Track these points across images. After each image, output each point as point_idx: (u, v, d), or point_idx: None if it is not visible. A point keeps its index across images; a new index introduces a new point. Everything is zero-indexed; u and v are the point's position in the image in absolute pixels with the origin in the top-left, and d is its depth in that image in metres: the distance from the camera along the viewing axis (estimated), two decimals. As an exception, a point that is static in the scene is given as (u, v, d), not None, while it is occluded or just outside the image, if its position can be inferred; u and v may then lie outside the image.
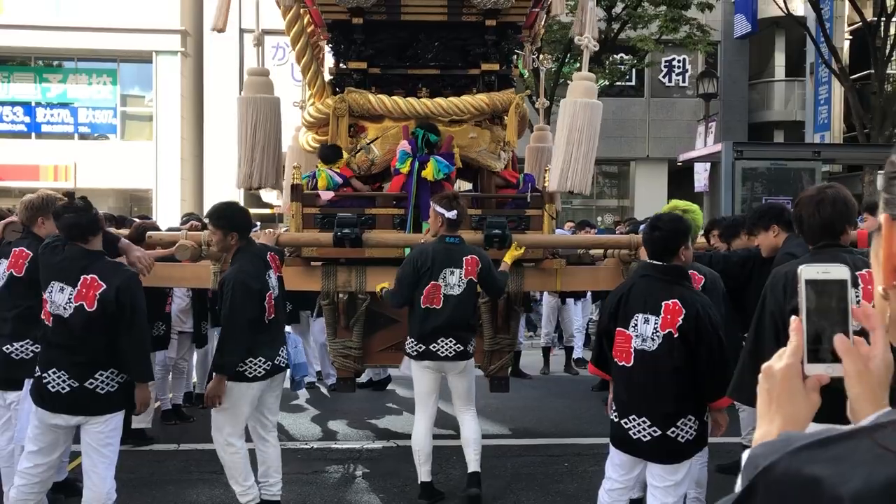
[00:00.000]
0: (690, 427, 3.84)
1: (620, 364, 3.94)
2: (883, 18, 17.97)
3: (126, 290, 4.13)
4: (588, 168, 5.92)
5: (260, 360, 4.71)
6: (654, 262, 3.96)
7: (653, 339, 3.83)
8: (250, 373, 4.69)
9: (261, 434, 4.98)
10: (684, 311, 3.79)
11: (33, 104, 22.11)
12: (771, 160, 15.39)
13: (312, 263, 6.21)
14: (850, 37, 22.00)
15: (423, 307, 5.23)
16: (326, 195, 6.14)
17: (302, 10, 6.75)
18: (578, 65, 19.08)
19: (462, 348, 5.31)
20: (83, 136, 22.43)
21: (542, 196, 6.19)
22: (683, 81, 24.33)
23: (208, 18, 21.65)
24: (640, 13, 18.51)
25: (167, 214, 20.79)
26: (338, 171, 6.18)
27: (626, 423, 3.90)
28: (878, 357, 1.02)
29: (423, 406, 5.40)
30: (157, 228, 6.40)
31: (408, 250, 5.93)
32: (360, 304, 6.20)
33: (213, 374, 4.65)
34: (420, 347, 5.28)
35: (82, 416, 4.16)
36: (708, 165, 19.70)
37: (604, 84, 20.73)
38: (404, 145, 6.08)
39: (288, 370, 5.03)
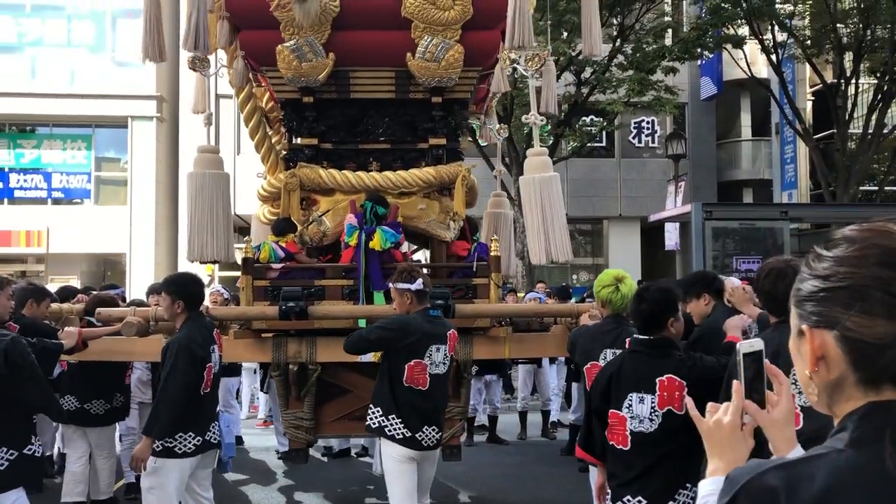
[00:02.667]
0: (688, 495, 3.60)
1: (618, 448, 3.72)
2: (842, 80, 18.48)
3: (12, 351, 4.19)
4: (564, 235, 6.01)
5: (190, 436, 4.67)
6: (641, 336, 3.80)
7: (651, 420, 3.64)
8: (180, 449, 4.64)
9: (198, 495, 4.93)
10: (685, 383, 3.63)
11: (6, 170, 22.14)
12: (739, 220, 15.64)
13: (263, 335, 6.23)
14: (812, 98, 22.55)
15: (405, 386, 4.80)
16: (277, 266, 6.21)
17: (256, 89, 6.90)
18: (549, 127, 19.60)
19: (441, 434, 5.03)
20: (56, 202, 22.44)
21: (489, 264, 6.27)
22: (653, 142, 24.75)
23: (184, 84, 21.92)
24: (609, 77, 18.91)
25: (141, 279, 20.76)
26: (283, 245, 6.24)
27: None
28: (782, 404, 1.51)
29: (412, 498, 4.87)
30: (114, 302, 6.41)
31: (361, 322, 5.97)
32: (311, 374, 6.21)
33: (144, 436, 4.63)
34: (407, 433, 4.79)
35: None
36: (678, 224, 19.93)
37: (575, 146, 21.06)
38: (350, 219, 6.17)
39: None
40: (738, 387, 1.50)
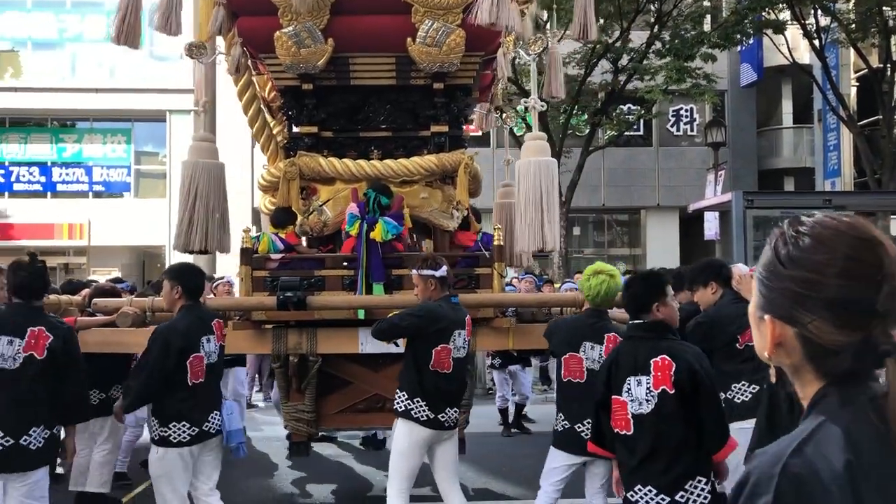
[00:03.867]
0: (702, 490, 3.63)
1: (622, 434, 3.80)
2: (888, 65, 17.89)
3: (70, 339, 4.63)
4: (553, 224, 5.86)
5: (184, 425, 4.66)
6: (635, 321, 3.90)
7: (647, 401, 3.71)
8: (174, 438, 4.65)
9: (205, 493, 4.92)
10: (675, 365, 3.68)
11: (49, 164, 22.60)
12: (781, 209, 15.27)
13: (263, 326, 6.19)
14: (857, 83, 21.87)
15: (431, 370, 4.92)
16: (276, 257, 6.16)
17: (255, 77, 6.84)
18: (585, 116, 19.36)
19: (458, 415, 5.16)
20: (97, 195, 22.84)
21: (492, 254, 6.15)
22: (692, 130, 24.28)
23: (221, 77, 22.11)
24: (646, 65, 18.59)
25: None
26: (283, 236, 6.18)
27: (632, 496, 3.72)
28: None
29: (407, 485, 5.02)
30: (114, 293, 6.41)
31: (360, 312, 5.91)
32: (312, 366, 6.15)
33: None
34: (431, 414, 4.92)
35: (9, 472, 4.37)
36: (718, 214, 19.54)
37: (612, 135, 20.77)
38: (352, 208, 6.09)
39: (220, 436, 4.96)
40: None
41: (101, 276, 16.14)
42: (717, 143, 20.44)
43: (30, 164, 22.63)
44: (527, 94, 11.08)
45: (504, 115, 8.32)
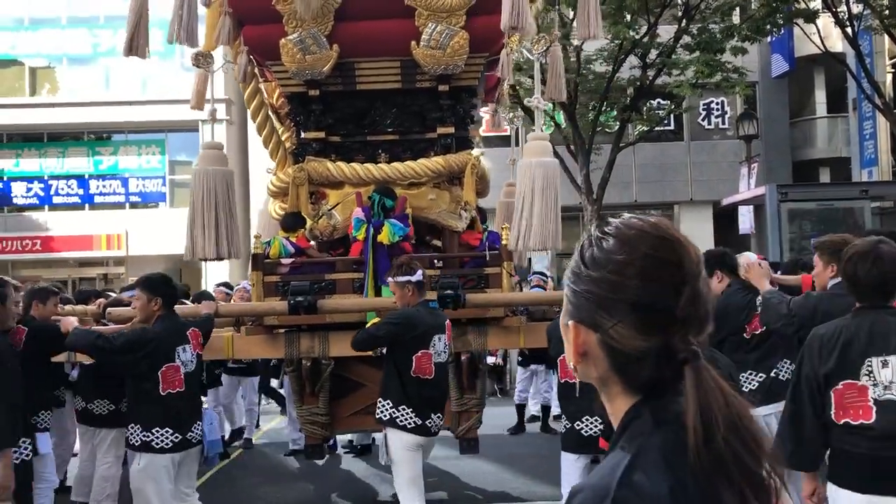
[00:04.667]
0: None
1: None
2: (923, 50, 17.50)
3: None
4: (547, 225, 5.84)
5: (167, 432, 4.73)
6: None
7: None
8: (157, 444, 4.73)
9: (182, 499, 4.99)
10: None
11: (86, 176, 23.09)
12: (817, 201, 15.04)
13: (275, 331, 6.26)
14: (893, 70, 21.40)
15: (413, 377, 4.95)
16: (287, 262, 6.23)
17: (263, 85, 6.93)
18: (614, 113, 19.25)
19: (443, 420, 5.21)
20: (134, 205, 23.28)
21: (501, 254, 6.15)
22: (723, 123, 23.97)
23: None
24: (675, 60, 18.42)
25: (216, 278, 21.28)
26: (294, 240, 6.25)
27: None
28: None
29: (417, 490, 5.03)
30: (124, 304, 6.52)
31: (371, 315, 5.95)
32: (325, 369, 6.21)
33: None
34: (418, 420, 4.95)
35: None
36: (752, 207, 19.27)
37: (643, 130, 20.60)
38: (358, 213, 6.15)
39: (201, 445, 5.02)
40: None
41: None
42: (749, 135, 20.16)
43: (68, 178, 23.16)
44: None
45: (512, 114, 8.28)
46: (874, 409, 3.10)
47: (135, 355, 4.70)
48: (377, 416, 5.10)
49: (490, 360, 11.40)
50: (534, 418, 10.32)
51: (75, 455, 7.45)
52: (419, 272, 5.04)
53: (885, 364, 3.11)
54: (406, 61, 6.40)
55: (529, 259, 18.81)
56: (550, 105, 18.91)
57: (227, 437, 9.16)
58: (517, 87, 16.01)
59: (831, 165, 24.18)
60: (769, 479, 1.10)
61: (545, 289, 9.73)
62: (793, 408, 3.37)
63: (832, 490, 3.28)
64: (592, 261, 1.17)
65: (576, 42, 17.35)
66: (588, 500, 1.09)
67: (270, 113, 7.37)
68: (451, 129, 6.56)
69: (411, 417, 4.94)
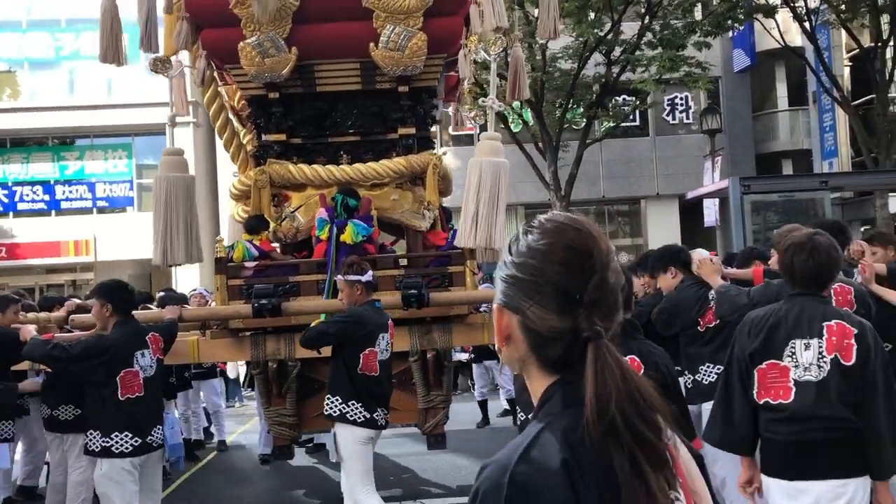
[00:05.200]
0: None
1: None
2: (880, 44, 17.82)
3: None
4: (493, 223, 5.86)
5: (127, 436, 4.76)
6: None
7: None
8: (117, 448, 4.76)
9: None
10: (644, 367, 3.59)
11: (52, 182, 22.85)
12: (778, 193, 15.28)
13: (241, 334, 6.30)
14: (850, 63, 21.77)
15: (360, 374, 5.11)
16: (251, 265, 6.27)
17: (224, 88, 6.95)
18: (581, 110, 19.40)
19: (387, 416, 5.32)
20: (101, 210, 23.07)
21: (464, 253, 6.23)
22: (687, 118, 24.26)
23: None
24: (639, 56, 18.63)
25: (186, 282, 21.18)
26: (257, 243, 6.29)
27: None
28: None
29: (369, 482, 5.16)
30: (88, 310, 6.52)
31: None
32: (291, 370, 6.26)
33: None
34: (367, 414, 5.11)
35: None
36: (717, 200, 19.54)
37: (609, 127, 20.78)
38: (321, 213, 6.20)
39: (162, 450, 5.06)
40: None
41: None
42: (712, 129, 20.44)
43: (33, 184, 22.90)
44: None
45: (474, 113, 8.36)
46: (793, 389, 3.25)
47: (92, 362, 4.73)
48: (326, 413, 5.24)
49: (462, 356, 11.54)
50: (506, 412, 10.44)
51: (48, 462, 7.46)
52: (369, 272, 5.22)
53: (807, 347, 3.27)
54: (365, 63, 6.45)
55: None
56: (518, 104, 19.13)
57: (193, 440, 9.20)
58: (484, 87, 16.12)
59: (793, 157, 24.57)
60: (663, 446, 1.19)
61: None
62: (723, 390, 3.50)
63: (765, 481, 3.40)
64: (518, 250, 1.29)
65: (541, 41, 17.48)
66: (492, 474, 1.18)
67: (231, 116, 7.39)
68: (413, 130, 6.62)
69: (360, 412, 5.10)
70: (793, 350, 3.30)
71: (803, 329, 3.30)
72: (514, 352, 1.30)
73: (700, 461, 1.38)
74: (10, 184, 22.82)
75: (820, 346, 3.26)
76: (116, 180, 23.15)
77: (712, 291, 5.07)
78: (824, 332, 3.28)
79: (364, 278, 5.14)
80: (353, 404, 5.10)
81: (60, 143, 23.31)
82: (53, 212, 22.91)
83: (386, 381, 5.29)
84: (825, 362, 3.24)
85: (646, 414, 1.18)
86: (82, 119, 22.13)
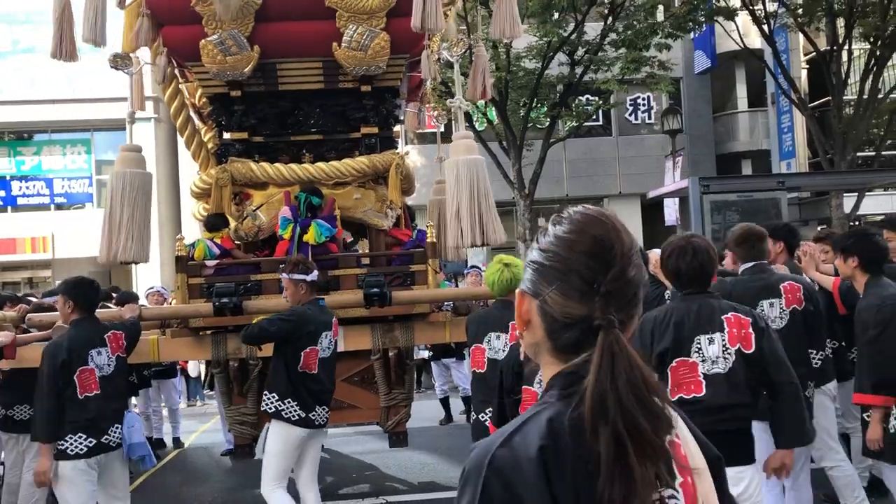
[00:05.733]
0: None
1: None
2: (835, 47, 18.17)
3: None
4: (493, 218, 5.93)
5: (80, 437, 4.73)
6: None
7: None
8: (71, 450, 4.72)
9: None
10: None
11: (8, 178, 22.42)
12: (737, 193, 15.53)
13: (201, 333, 6.27)
14: (807, 66, 22.19)
15: (300, 371, 5.10)
16: (212, 264, 6.24)
17: (185, 85, 6.91)
18: (545, 109, 19.51)
19: (328, 414, 5.31)
20: (59, 207, 22.70)
21: (426, 251, 6.27)
22: (650, 118, 24.53)
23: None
24: (602, 57, 18.81)
25: (146, 279, 20.93)
26: (218, 241, 6.26)
27: None
28: None
29: (283, 480, 5.18)
30: (51, 310, 6.45)
31: None
32: (252, 369, 6.24)
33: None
34: (302, 413, 5.10)
35: None
36: (678, 200, 19.80)
37: (572, 126, 20.94)
38: (285, 212, 6.19)
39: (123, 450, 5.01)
40: None
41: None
42: (673, 130, 20.71)
43: (-12, 179, 22.47)
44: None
45: (437, 111, 8.39)
46: (703, 382, 3.50)
47: (57, 368, 4.69)
48: (262, 408, 5.26)
49: (424, 353, 11.59)
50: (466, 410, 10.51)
51: (2, 463, 7.35)
52: (315, 272, 5.24)
53: (711, 341, 3.53)
54: (328, 62, 6.45)
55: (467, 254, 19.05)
56: (482, 102, 19.18)
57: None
58: (449, 86, 16.16)
59: (753, 158, 24.96)
60: (660, 439, 1.21)
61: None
62: None
63: None
64: (545, 238, 1.34)
65: (505, 40, 17.56)
66: (477, 455, 1.23)
67: (192, 113, 7.34)
68: (375, 129, 6.64)
69: (296, 410, 5.09)
70: (699, 346, 3.54)
71: (704, 325, 3.56)
72: (531, 336, 1.34)
73: (719, 463, 1.40)
74: (-35, 180, 22.38)
75: (723, 339, 3.52)
76: (75, 176, 22.77)
77: (668, 290, 5.16)
78: (724, 325, 3.54)
79: (309, 277, 5.15)
80: (289, 402, 5.09)
81: (17, 137, 22.88)
82: (10, 208, 22.48)
83: (327, 379, 5.27)
84: (729, 354, 3.50)
85: (647, 404, 1.20)
86: (40, 114, 21.76)
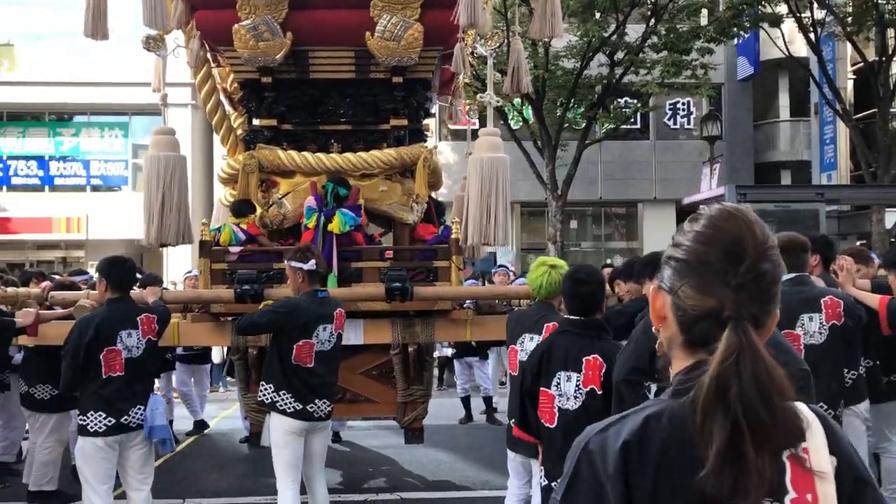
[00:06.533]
0: None
1: (546, 425, 3.86)
2: (884, 58, 17.78)
3: None
4: (500, 219, 5.89)
5: (100, 415, 4.73)
6: (573, 317, 3.91)
7: (575, 398, 3.75)
8: (91, 427, 4.75)
9: (135, 488, 5.01)
10: (605, 366, 3.70)
11: (47, 158, 22.71)
12: (775, 202, 15.27)
13: (222, 318, 6.23)
14: (854, 76, 21.73)
15: (294, 364, 4.97)
16: (235, 250, 6.19)
17: (217, 70, 6.88)
18: (582, 109, 19.35)
19: (331, 407, 5.21)
20: (95, 189, 22.94)
21: (450, 248, 6.17)
22: (689, 123, 24.21)
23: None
24: (642, 58, 18.57)
25: (178, 264, 21.09)
26: (244, 227, 6.22)
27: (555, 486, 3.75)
28: None
29: (293, 474, 5.08)
30: (73, 287, 6.46)
31: None
32: (272, 358, 6.18)
33: None
34: (298, 405, 5.00)
35: None
36: (713, 207, 19.49)
37: (609, 128, 20.72)
38: (310, 201, 6.13)
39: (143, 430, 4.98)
40: None
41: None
42: (712, 136, 20.42)
43: (27, 159, 22.73)
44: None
45: (468, 106, 8.30)
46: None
47: (79, 346, 4.69)
48: (259, 399, 5.20)
49: (448, 351, 11.50)
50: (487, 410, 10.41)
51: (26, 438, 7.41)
52: (312, 261, 5.03)
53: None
54: (360, 51, 6.38)
55: (494, 253, 18.91)
56: (518, 100, 19.06)
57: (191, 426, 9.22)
58: (484, 81, 16.04)
59: (792, 168, 24.53)
60: (779, 438, 1.19)
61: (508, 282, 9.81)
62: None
63: None
64: (682, 233, 1.36)
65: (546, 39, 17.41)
66: (580, 440, 1.32)
67: (223, 98, 7.32)
68: (405, 122, 6.56)
69: (291, 402, 4.98)
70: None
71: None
72: (666, 332, 1.36)
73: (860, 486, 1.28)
74: (4, 158, 22.68)
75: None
76: (112, 159, 23.01)
77: None
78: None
79: (306, 266, 4.98)
80: (284, 394, 4.99)
81: (57, 118, 23.16)
82: (47, 187, 22.78)
83: (327, 372, 5.12)
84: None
85: (769, 398, 1.19)
86: (80, 95, 21.98)
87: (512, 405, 4.84)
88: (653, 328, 1.41)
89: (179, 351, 8.69)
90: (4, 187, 22.69)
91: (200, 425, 9.64)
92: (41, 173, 22.71)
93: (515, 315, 5.15)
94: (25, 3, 22.53)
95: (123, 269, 5.05)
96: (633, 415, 1.29)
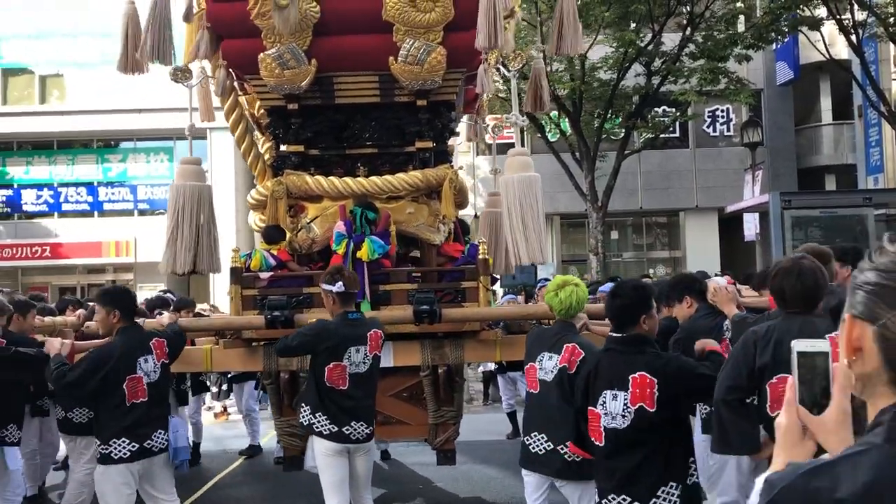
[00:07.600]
0: (674, 495, 3.64)
1: (596, 444, 3.84)
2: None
3: None
4: (536, 238, 5.89)
5: (124, 442, 4.81)
6: (615, 334, 3.87)
7: (623, 416, 3.69)
8: (115, 454, 4.81)
9: None
10: (656, 382, 3.65)
11: (95, 184, 23.32)
12: (820, 208, 15.01)
13: (253, 344, 6.32)
14: (899, 77, 21.27)
15: (327, 386, 5.01)
16: (265, 276, 6.29)
17: (244, 97, 7.01)
18: (619, 120, 19.27)
19: (371, 430, 5.21)
20: (142, 212, 23.47)
21: (477, 268, 6.19)
22: (728, 130, 23.94)
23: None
24: (679, 67, 18.45)
25: (223, 286, 21.42)
26: (275, 252, 6.31)
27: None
28: (832, 406, 1.35)
29: (339, 495, 5.10)
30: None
31: None
32: (303, 382, 6.26)
33: None
34: (334, 427, 5.03)
35: None
36: (757, 214, 19.24)
37: (648, 138, 20.61)
38: (339, 227, 6.18)
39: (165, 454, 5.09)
40: (791, 383, 1.41)
41: (147, 293, 16.61)
42: (753, 143, 20.18)
43: (77, 185, 23.41)
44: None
45: (492, 125, 8.33)
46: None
47: (95, 378, 4.75)
48: (299, 421, 5.24)
49: (492, 365, 11.49)
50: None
51: (56, 464, 7.56)
52: (339, 283, 5.04)
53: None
54: (384, 76, 6.45)
55: (535, 266, 18.90)
56: (556, 113, 19.04)
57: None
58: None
59: (837, 172, 24.08)
60: None
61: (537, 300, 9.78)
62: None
63: None
64: (881, 258, 1.21)
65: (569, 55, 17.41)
66: (778, 476, 1.20)
67: (252, 123, 7.45)
68: (430, 144, 6.61)
69: (327, 425, 5.01)
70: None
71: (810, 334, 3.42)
72: (862, 366, 1.22)
73: None
74: (55, 185, 23.34)
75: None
76: (158, 183, 23.53)
77: (727, 321, 4.96)
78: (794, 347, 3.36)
79: (334, 288, 5.01)
80: (320, 416, 5.02)
81: (105, 145, 23.78)
82: (96, 213, 23.37)
83: (363, 396, 5.12)
84: None
85: None
86: (126, 122, 22.57)
87: (527, 423, 4.84)
88: (844, 361, 1.26)
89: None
90: (56, 213, 23.33)
91: (255, 449, 9.71)
92: (90, 199, 23.34)
93: (534, 333, 5.14)
94: (76, 34, 23.18)
95: (130, 298, 5.19)
96: (846, 462, 1.13)
